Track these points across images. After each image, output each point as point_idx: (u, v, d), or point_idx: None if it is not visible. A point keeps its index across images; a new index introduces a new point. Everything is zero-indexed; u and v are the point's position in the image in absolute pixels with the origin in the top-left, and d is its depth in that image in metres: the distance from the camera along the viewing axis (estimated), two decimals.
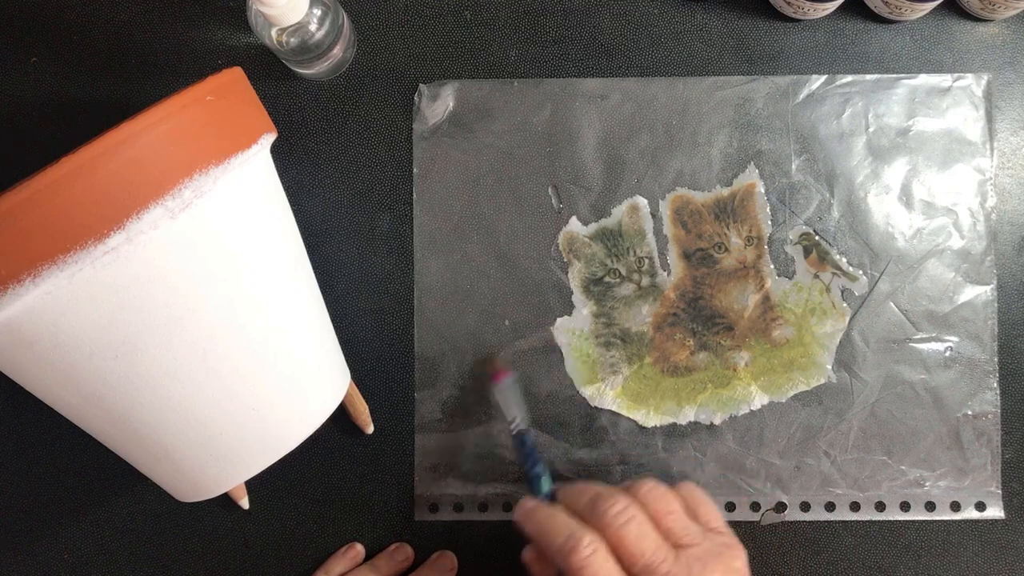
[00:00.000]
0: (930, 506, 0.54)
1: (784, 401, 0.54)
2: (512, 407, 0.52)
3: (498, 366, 0.54)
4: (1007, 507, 0.54)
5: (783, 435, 0.54)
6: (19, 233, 0.36)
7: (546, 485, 0.49)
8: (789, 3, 0.54)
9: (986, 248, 0.55)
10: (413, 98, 0.56)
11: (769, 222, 0.55)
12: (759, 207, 0.55)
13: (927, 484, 0.54)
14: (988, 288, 0.55)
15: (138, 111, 0.39)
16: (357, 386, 0.55)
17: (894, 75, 0.55)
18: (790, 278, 0.55)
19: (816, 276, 0.55)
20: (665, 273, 0.55)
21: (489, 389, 0.54)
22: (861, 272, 0.55)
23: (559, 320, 0.55)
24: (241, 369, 0.43)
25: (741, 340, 0.55)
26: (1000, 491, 0.54)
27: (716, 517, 0.47)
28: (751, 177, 0.55)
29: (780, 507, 0.54)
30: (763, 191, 0.55)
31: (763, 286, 0.55)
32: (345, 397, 0.53)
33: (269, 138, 0.46)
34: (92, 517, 0.55)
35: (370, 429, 0.55)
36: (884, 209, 0.55)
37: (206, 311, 0.41)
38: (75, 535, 0.55)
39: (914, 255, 0.55)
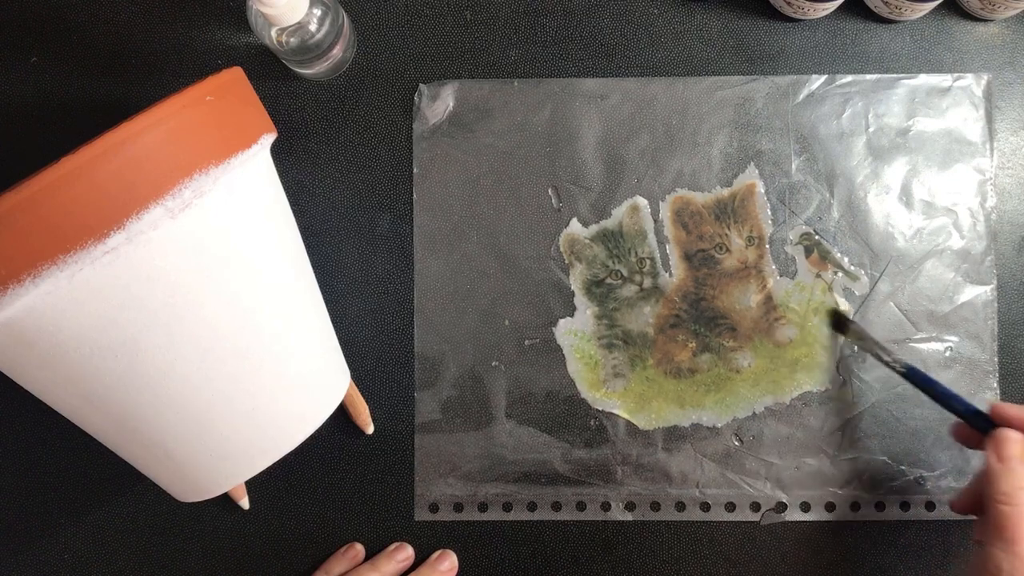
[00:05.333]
0: (930, 506, 0.54)
1: (787, 402, 0.54)
2: (877, 346, 0.52)
3: (841, 318, 0.54)
4: None
5: (783, 435, 0.54)
6: (19, 233, 0.36)
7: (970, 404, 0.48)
8: (789, 3, 0.54)
9: (986, 248, 0.55)
10: (413, 98, 0.56)
11: (769, 222, 0.55)
12: (759, 207, 0.55)
13: (927, 484, 0.54)
14: (988, 288, 0.55)
15: (138, 111, 0.39)
16: (357, 386, 0.55)
17: (894, 75, 0.55)
18: (792, 278, 0.55)
19: (818, 275, 0.55)
20: (667, 274, 0.55)
21: (849, 338, 0.53)
22: (862, 271, 0.55)
23: (561, 322, 0.55)
24: (241, 369, 0.43)
25: (744, 341, 0.55)
26: None
27: None
28: (751, 177, 0.55)
29: (780, 507, 0.54)
30: (763, 191, 0.55)
31: (765, 286, 0.55)
32: (345, 397, 0.53)
33: (269, 138, 0.46)
34: (92, 517, 0.55)
35: (370, 429, 0.55)
36: (884, 209, 0.55)
37: (206, 311, 0.41)
38: (75, 535, 0.55)
39: (914, 255, 0.55)
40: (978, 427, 0.47)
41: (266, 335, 0.44)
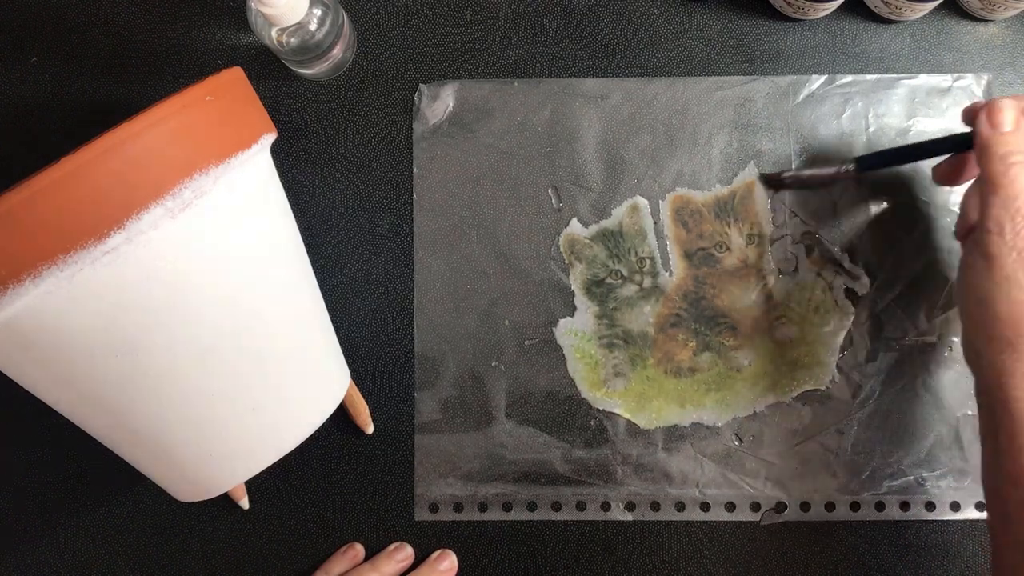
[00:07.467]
0: (930, 506, 0.54)
1: (787, 401, 0.54)
2: (818, 173, 0.53)
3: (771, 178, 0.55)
4: None
5: (783, 435, 0.54)
6: (19, 233, 0.36)
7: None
8: (789, 3, 0.54)
9: None
10: (413, 98, 0.56)
11: (770, 220, 0.55)
12: (760, 206, 0.55)
13: (927, 484, 0.54)
14: None
15: (138, 111, 0.39)
16: (357, 386, 0.55)
17: (894, 75, 0.55)
18: (792, 277, 0.55)
19: (819, 274, 0.55)
20: (667, 273, 0.55)
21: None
22: (863, 270, 0.55)
23: (561, 322, 0.55)
24: (241, 369, 0.43)
25: (744, 340, 0.55)
26: None
27: None
28: (751, 176, 0.55)
29: (780, 507, 0.54)
30: (763, 189, 0.55)
31: (765, 285, 0.55)
32: (345, 397, 0.53)
33: (269, 138, 0.46)
34: (92, 517, 0.55)
35: (370, 429, 0.55)
36: None
37: (206, 311, 0.41)
38: (75, 535, 0.55)
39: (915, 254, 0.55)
40: (961, 149, 0.47)
41: (266, 335, 0.44)
